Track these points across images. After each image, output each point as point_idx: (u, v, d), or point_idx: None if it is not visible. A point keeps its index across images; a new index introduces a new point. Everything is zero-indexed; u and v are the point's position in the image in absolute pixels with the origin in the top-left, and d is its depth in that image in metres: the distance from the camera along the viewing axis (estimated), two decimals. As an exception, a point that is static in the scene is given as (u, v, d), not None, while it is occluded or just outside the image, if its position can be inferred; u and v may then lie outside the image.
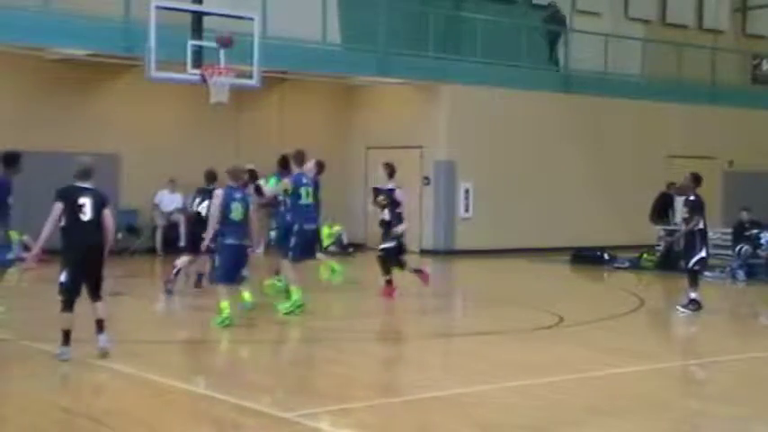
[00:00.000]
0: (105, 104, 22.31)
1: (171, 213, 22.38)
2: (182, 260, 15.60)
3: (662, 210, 22.68)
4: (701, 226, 15.15)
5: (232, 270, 12.76)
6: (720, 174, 29.42)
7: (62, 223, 10.41)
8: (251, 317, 13.59)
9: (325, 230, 22.46)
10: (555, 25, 26.53)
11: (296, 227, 14.06)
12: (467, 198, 24.47)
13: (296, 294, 13.60)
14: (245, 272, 12.98)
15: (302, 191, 14.09)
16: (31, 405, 8.77)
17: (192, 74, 17.02)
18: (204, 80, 17.08)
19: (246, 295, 13.31)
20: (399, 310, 15.05)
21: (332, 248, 22.52)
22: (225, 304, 12.60)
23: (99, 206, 10.31)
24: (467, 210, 24.49)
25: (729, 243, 20.92)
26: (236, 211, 12.66)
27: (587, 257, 22.80)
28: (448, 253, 23.93)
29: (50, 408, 8.62)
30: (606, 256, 22.46)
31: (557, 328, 13.34)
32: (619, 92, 27.07)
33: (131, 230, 22.27)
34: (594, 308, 15.60)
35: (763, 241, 19.97)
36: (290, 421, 8.15)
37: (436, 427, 8.43)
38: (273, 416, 8.33)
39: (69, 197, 10.28)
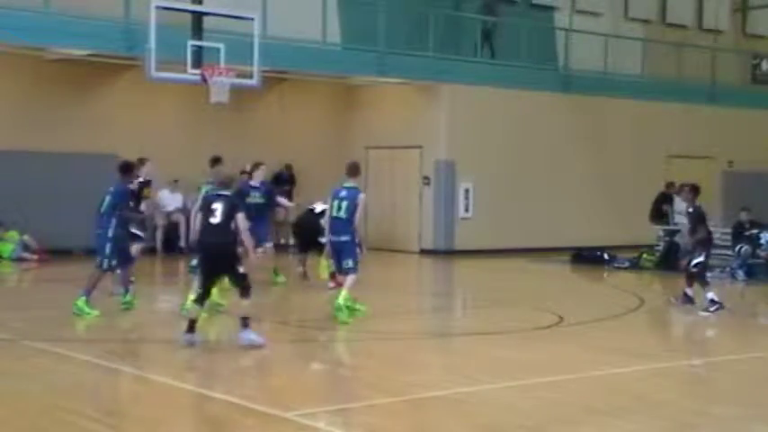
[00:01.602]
0: (105, 104, 22.31)
1: (171, 213, 22.40)
2: None
3: (661, 210, 22.68)
4: (702, 235, 15.42)
5: None
6: (720, 174, 29.45)
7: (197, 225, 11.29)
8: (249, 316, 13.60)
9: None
10: (489, 14, 25.64)
11: None
12: (467, 198, 24.47)
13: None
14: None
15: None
16: (31, 405, 8.77)
17: (192, 74, 17.02)
18: (204, 80, 17.08)
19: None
20: (399, 310, 15.04)
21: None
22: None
23: (230, 211, 10.99)
24: (467, 210, 24.49)
25: (729, 243, 20.90)
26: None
27: (587, 257, 22.80)
28: (448, 253, 23.93)
29: (50, 408, 8.62)
30: (606, 256, 22.46)
31: (557, 328, 13.35)
32: (619, 92, 27.07)
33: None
34: (594, 308, 15.60)
35: (762, 241, 19.97)
36: (290, 421, 8.16)
37: (436, 427, 8.44)
38: (273, 416, 8.34)
39: (206, 202, 11.22)
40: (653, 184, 24.07)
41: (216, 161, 15.26)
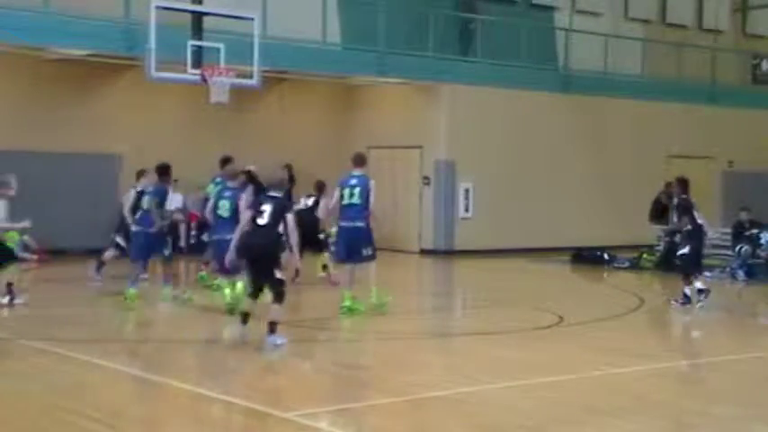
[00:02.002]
0: (105, 104, 22.30)
1: (171, 213, 22.36)
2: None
3: (660, 210, 22.68)
4: (689, 227, 15.58)
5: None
6: (720, 174, 29.45)
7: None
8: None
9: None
10: (468, 12, 25.34)
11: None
12: (467, 198, 24.47)
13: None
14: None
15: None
16: (30, 405, 8.77)
17: (192, 74, 17.02)
18: (204, 80, 17.09)
19: (239, 286, 13.61)
20: (399, 310, 15.02)
21: (333, 248, 22.48)
22: (226, 291, 13.65)
23: (279, 213, 11.20)
24: (467, 210, 24.49)
25: (729, 243, 20.92)
26: (223, 208, 13.94)
27: (587, 257, 22.80)
28: (448, 253, 23.93)
29: (50, 408, 8.62)
30: (606, 256, 22.46)
31: (557, 328, 13.35)
32: (619, 92, 27.07)
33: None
34: (594, 308, 15.60)
35: (762, 241, 19.98)
36: (290, 421, 8.16)
37: (436, 427, 8.44)
38: (273, 416, 8.34)
39: (256, 205, 11.39)
40: (653, 184, 24.04)
41: (226, 161, 15.59)
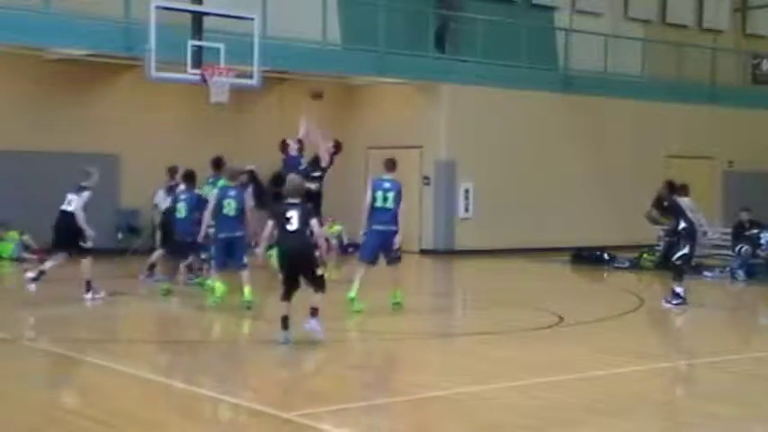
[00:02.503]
0: (105, 104, 22.31)
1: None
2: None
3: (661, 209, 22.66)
4: (683, 226, 15.57)
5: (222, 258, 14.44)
6: (720, 174, 29.46)
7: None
8: (250, 316, 13.60)
9: (324, 231, 22.48)
10: (446, 9, 24.99)
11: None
12: (467, 198, 24.47)
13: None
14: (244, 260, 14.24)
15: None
16: (30, 405, 8.77)
17: (192, 74, 17.03)
18: (204, 80, 17.09)
19: (247, 291, 14.00)
20: (399, 309, 15.02)
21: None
22: (218, 285, 14.19)
23: (305, 218, 11.47)
24: (467, 210, 24.49)
25: (729, 243, 20.91)
26: (229, 207, 14.25)
27: (587, 257, 22.80)
28: (448, 253, 23.93)
29: (50, 408, 8.63)
30: (606, 256, 22.46)
31: (557, 328, 13.34)
32: (619, 92, 27.08)
33: (132, 230, 22.28)
34: (594, 308, 15.59)
35: (762, 241, 19.97)
36: (290, 421, 8.15)
37: (436, 427, 8.43)
38: (273, 416, 8.33)
39: (280, 213, 11.51)
40: (653, 184, 24.00)
41: (218, 162, 15.64)
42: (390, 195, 14.10)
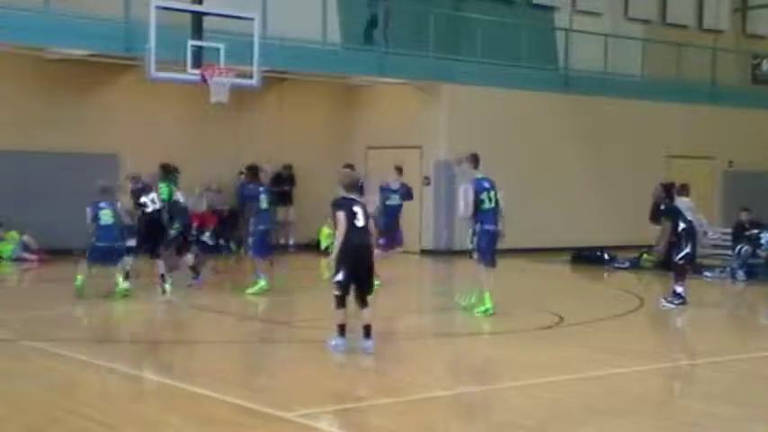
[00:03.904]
0: (105, 104, 22.31)
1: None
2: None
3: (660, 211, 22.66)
4: (682, 226, 15.53)
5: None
6: (720, 174, 29.46)
7: (340, 229, 10.97)
8: (250, 316, 13.61)
9: (324, 231, 22.49)
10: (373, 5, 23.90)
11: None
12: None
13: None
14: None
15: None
16: (30, 405, 8.77)
17: (192, 74, 17.01)
18: (204, 80, 17.08)
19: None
20: (399, 310, 15.04)
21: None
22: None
23: (367, 213, 11.15)
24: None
25: (729, 243, 20.91)
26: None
27: (587, 257, 22.80)
28: (448, 253, 23.92)
29: (50, 408, 8.62)
30: (606, 256, 22.46)
31: (557, 328, 13.35)
32: (619, 92, 27.06)
33: (131, 230, 22.23)
34: (594, 308, 15.60)
35: (763, 241, 19.98)
36: (290, 421, 8.16)
37: (437, 427, 8.43)
38: (273, 416, 8.33)
39: (346, 207, 11.02)
40: (653, 184, 23.91)
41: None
42: (493, 195, 14.08)
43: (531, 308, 15.35)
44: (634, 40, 28.58)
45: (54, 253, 20.03)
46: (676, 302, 15.33)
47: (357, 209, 10.99)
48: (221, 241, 23.48)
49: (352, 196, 11.14)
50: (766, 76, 31.78)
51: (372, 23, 23.64)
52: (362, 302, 11.03)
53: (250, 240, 16.07)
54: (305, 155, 24.73)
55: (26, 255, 20.41)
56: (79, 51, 20.22)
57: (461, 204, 14.11)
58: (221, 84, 17.08)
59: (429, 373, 10.60)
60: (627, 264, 21.88)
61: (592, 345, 12.29)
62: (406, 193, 17.56)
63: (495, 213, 14.10)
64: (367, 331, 10.99)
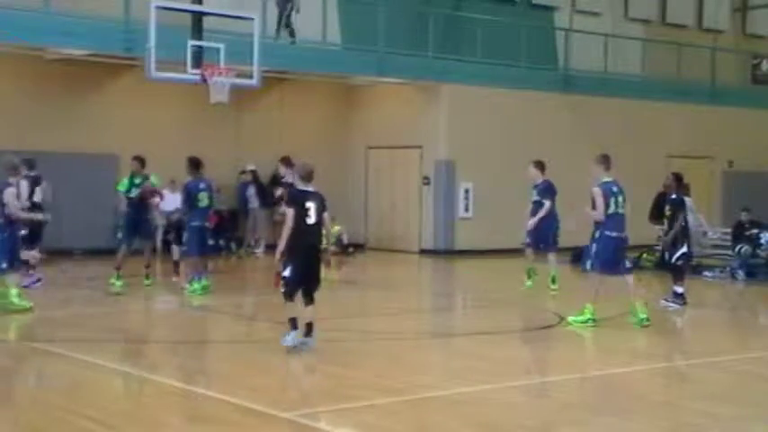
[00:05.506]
0: (105, 104, 22.31)
1: (171, 213, 22.37)
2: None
3: (661, 210, 22.64)
4: (682, 223, 15.67)
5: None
6: (720, 174, 29.45)
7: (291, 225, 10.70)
8: (249, 316, 13.61)
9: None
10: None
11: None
12: (467, 198, 24.46)
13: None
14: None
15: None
16: (30, 405, 8.77)
17: (192, 74, 17.02)
18: (204, 80, 17.09)
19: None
20: (399, 310, 15.04)
21: (332, 248, 22.49)
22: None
23: (321, 210, 10.78)
24: (467, 210, 24.48)
25: (729, 243, 20.90)
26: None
27: (587, 257, 22.73)
28: (448, 253, 23.93)
29: (50, 408, 8.62)
30: (606, 256, 22.40)
31: (557, 328, 13.34)
32: (619, 92, 27.06)
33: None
34: (595, 308, 15.56)
35: (762, 241, 19.98)
36: (290, 421, 8.16)
37: (436, 427, 8.43)
38: (273, 416, 8.33)
39: (300, 202, 10.69)
40: (653, 184, 24.03)
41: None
42: (621, 199, 13.64)
43: (531, 308, 15.35)
44: (634, 40, 28.59)
45: (54, 253, 20.03)
46: (675, 302, 15.33)
47: (310, 204, 10.66)
48: (221, 241, 23.46)
49: (309, 188, 10.83)
50: (766, 76, 31.79)
51: (285, 11, 22.34)
52: (309, 299, 10.88)
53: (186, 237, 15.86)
54: (305, 155, 24.61)
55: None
56: (79, 51, 20.22)
57: (588, 209, 13.59)
58: (221, 84, 17.09)
59: (428, 373, 10.60)
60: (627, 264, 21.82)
61: (592, 345, 12.29)
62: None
63: (621, 219, 13.64)
64: (309, 329, 10.83)
